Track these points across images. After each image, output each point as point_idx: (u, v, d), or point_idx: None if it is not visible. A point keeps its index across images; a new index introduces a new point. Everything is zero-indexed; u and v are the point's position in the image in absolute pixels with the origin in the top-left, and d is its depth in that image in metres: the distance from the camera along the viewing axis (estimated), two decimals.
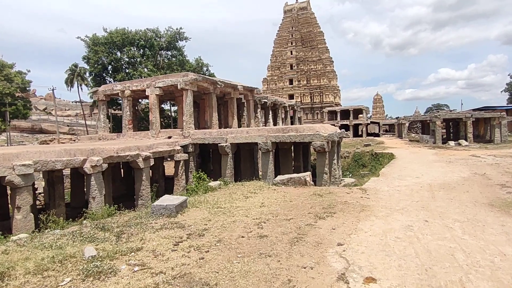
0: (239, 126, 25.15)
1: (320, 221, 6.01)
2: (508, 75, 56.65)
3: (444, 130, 37.42)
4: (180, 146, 15.21)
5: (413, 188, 8.96)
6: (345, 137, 16.15)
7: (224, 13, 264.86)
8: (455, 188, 8.83)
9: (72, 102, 70.16)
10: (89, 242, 5.05)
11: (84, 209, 9.65)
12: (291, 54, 63.85)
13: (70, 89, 39.26)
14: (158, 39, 36.45)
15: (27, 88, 40.17)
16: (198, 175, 11.86)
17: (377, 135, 47.86)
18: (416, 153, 19.65)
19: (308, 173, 10.05)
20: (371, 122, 51.08)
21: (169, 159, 18.84)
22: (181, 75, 15.73)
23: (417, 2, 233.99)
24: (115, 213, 7.74)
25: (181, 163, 14.90)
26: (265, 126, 28.16)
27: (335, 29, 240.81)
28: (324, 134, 12.46)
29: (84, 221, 7.01)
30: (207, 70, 41.55)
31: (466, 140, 28.36)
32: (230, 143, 14.71)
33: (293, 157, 18.18)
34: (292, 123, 32.90)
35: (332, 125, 46.35)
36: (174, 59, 40.21)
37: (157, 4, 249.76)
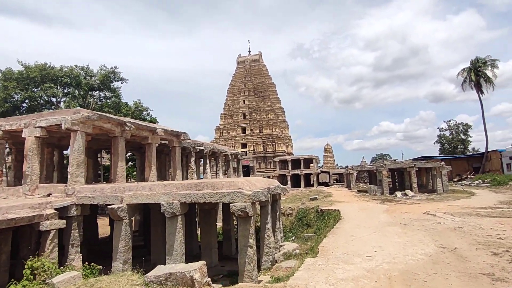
0: (166, 179, 21.18)
1: None
2: (437, 128, 63.94)
3: (390, 180, 37.40)
4: (55, 209, 10.76)
5: (364, 285, 5.83)
6: (283, 193, 13.08)
7: (180, 63, 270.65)
8: (426, 283, 5.88)
9: None
10: None
11: None
12: (244, 103, 64.13)
13: None
14: (89, 78, 32.56)
15: None
16: (34, 263, 7.39)
17: (327, 184, 46.73)
18: (366, 209, 17.35)
19: (201, 263, 6.35)
20: (322, 172, 50.33)
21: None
22: (71, 112, 11.94)
23: (359, 62, 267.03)
24: None
25: (50, 235, 10.28)
26: (202, 177, 24.51)
27: (289, 83, 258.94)
28: (248, 193, 9.21)
29: None
30: (148, 114, 38.04)
31: (411, 190, 27.97)
32: (127, 204, 10.65)
33: (223, 218, 14.50)
34: (236, 174, 29.74)
35: (282, 174, 44.42)
36: (109, 101, 36.27)
37: (112, 50, 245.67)
